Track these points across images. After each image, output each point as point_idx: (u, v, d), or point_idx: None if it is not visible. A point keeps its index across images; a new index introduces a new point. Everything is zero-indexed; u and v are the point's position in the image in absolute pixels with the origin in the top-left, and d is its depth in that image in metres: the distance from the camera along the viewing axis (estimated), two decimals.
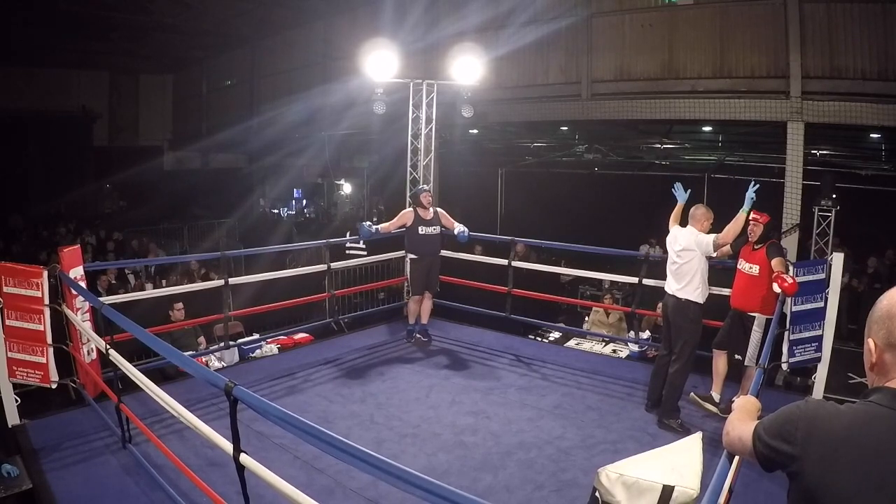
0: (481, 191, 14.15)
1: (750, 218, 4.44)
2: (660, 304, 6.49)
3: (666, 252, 4.68)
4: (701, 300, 4.39)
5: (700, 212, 4.45)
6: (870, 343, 1.29)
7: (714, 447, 2.55)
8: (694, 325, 4.40)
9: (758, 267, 4.42)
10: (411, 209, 6.08)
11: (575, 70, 9.10)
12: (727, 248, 4.53)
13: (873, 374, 1.30)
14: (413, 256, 6.10)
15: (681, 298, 4.41)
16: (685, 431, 4.13)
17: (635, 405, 4.77)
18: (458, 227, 6.02)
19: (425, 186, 6.60)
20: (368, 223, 5.94)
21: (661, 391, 4.58)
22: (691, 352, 4.42)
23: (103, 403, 4.20)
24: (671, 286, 4.51)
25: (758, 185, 4.26)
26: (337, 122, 12.03)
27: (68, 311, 4.29)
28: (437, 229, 6.05)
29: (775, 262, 4.30)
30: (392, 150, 10.52)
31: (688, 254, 4.38)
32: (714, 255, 4.40)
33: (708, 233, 4.40)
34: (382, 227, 5.96)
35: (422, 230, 5.94)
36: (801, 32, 7.09)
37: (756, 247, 4.48)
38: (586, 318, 7.69)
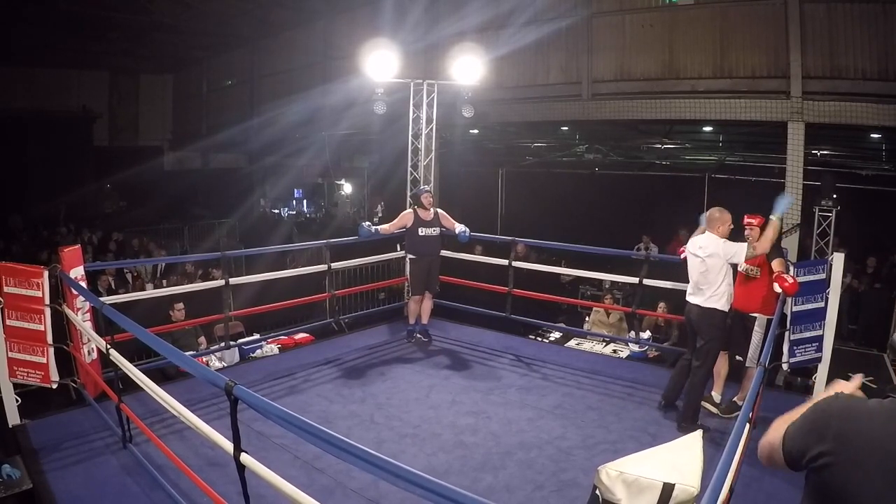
0: (481, 191, 14.16)
1: (744, 222, 4.41)
2: (661, 305, 6.53)
3: (661, 252, 4.61)
4: (726, 308, 4.24)
5: (716, 215, 4.25)
6: None
7: (714, 446, 2.56)
8: (720, 331, 4.28)
9: (758, 268, 4.40)
10: (411, 210, 6.08)
11: (575, 70, 9.11)
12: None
13: None
14: (412, 256, 6.11)
15: (704, 307, 4.25)
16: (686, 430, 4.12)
17: (636, 405, 4.76)
18: (459, 227, 6.02)
19: (426, 187, 6.59)
20: (368, 223, 5.94)
21: (680, 393, 4.50)
22: (714, 357, 4.33)
23: (104, 403, 4.20)
24: (694, 297, 4.34)
25: (792, 200, 4.06)
26: (337, 122, 12.04)
27: (69, 311, 4.29)
28: (437, 230, 6.04)
29: (775, 263, 4.30)
30: (392, 150, 10.50)
31: (714, 261, 4.19)
32: (744, 264, 4.22)
33: (728, 235, 4.24)
34: (383, 228, 5.96)
35: (421, 231, 5.94)
36: (801, 32, 7.11)
37: None
38: (587, 319, 7.70)
